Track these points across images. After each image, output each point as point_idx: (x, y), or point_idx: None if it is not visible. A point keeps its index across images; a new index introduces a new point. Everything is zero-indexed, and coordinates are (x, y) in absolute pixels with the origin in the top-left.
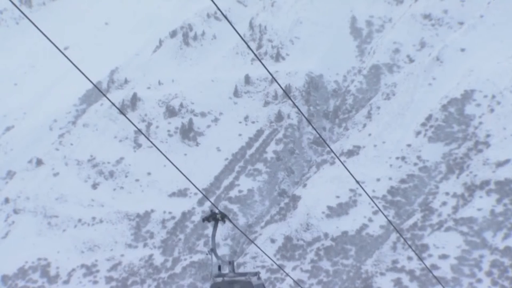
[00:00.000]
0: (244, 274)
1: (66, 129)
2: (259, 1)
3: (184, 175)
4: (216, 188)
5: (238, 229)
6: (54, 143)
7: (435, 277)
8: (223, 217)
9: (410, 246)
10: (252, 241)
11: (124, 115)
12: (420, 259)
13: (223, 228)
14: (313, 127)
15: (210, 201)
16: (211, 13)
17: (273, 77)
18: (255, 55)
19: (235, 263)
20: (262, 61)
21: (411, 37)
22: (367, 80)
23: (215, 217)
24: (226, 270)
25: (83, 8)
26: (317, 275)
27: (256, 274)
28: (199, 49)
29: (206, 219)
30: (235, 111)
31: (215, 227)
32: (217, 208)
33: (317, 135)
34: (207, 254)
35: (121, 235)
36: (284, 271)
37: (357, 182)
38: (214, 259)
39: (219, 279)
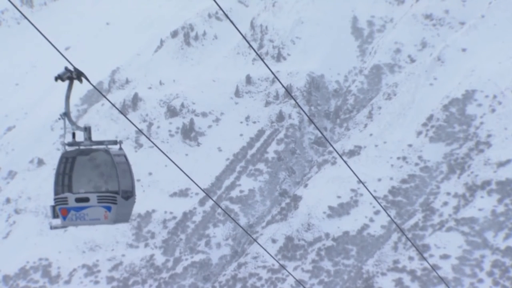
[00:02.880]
0: (102, 142)
1: (67, 129)
2: (260, 1)
3: (184, 173)
4: (217, 188)
5: (238, 224)
6: (55, 143)
7: (439, 276)
8: (79, 75)
9: (413, 245)
10: (254, 239)
11: (125, 116)
12: (424, 258)
13: (225, 228)
14: (316, 126)
15: (211, 198)
16: (212, 13)
17: (275, 76)
18: (257, 54)
19: (91, 130)
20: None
21: (412, 37)
22: (368, 80)
23: (69, 76)
24: (81, 138)
25: (84, 8)
26: (318, 275)
27: (117, 142)
28: (200, 49)
29: (58, 77)
30: (236, 111)
31: (69, 87)
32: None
33: (318, 135)
34: (59, 119)
35: (122, 235)
36: (287, 270)
37: (361, 181)
38: (68, 124)
39: (73, 148)
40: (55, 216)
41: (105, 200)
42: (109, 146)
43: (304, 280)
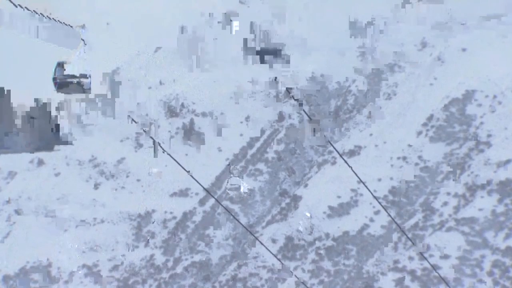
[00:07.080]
0: (74, 76)
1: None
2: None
3: (185, 169)
4: (217, 188)
5: (239, 221)
6: None
7: (440, 277)
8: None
9: (413, 243)
10: (255, 237)
11: (128, 115)
12: (425, 258)
13: (225, 229)
14: (316, 126)
15: (212, 195)
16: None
17: (275, 76)
18: (257, 54)
19: (65, 65)
20: None
21: (412, 37)
22: (368, 80)
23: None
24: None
25: (84, 8)
26: (318, 275)
27: (87, 76)
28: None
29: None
30: (236, 111)
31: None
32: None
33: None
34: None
35: (122, 235)
36: (290, 270)
37: (361, 181)
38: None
39: (62, 77)
40: None
41: None
42: (82, 79)
43: (304, 280)
